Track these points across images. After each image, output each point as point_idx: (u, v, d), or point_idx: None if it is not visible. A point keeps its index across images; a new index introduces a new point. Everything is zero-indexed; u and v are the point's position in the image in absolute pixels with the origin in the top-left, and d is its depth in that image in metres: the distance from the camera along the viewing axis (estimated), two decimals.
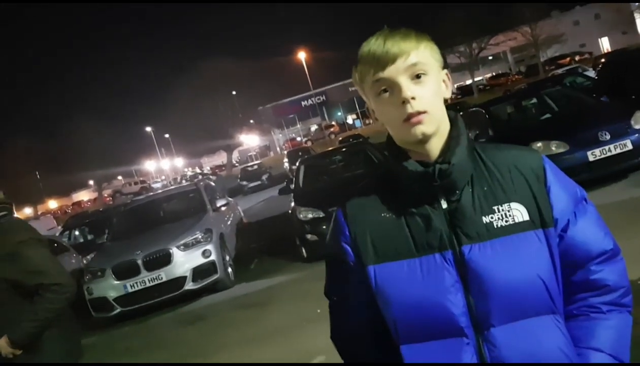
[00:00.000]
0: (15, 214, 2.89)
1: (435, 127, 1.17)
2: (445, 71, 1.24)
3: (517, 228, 1.16)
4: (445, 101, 1.24)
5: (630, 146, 7.15)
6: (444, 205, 1.19)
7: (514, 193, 1.19)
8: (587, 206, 1.26)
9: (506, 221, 1.16)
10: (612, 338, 1.20)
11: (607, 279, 1.22)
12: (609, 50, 48.45)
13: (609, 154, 7.16)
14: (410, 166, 1.19)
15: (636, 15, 54.03)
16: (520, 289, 1.13)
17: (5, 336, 2.60)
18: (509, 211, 1.17)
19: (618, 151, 7.16)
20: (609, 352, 1.19)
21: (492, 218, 1.17)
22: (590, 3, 57.29)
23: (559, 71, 27.15)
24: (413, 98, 1.14)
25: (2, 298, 2.63)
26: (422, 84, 1.16)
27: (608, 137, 7.21)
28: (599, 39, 57.90)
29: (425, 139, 1.17)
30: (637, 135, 7.22)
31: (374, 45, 1.17)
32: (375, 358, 1.30)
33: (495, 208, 1.17)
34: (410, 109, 1.14)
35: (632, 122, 7.35)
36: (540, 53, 49.23)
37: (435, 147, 1.20)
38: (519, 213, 1.17)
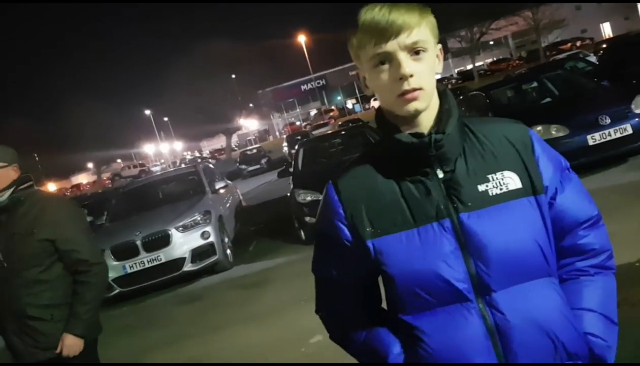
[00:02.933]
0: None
1: (427, 102, 1.20)
2: (440, 45, 1.25)
3: (511, 195, 1.20)
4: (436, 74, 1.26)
5: (630, 130, 7.14)
6: (440, 174, 1.21)
7: (506, 162, 1.22)
8: (571, 174, 1.31)
9: (500, 189, 1.20)
10: (601, 299, 1.27)
11: (594, 243, 1.29)
12: (611, 35, 48.23)
13: (608, 138, 7.15)
14: (404, 138, 1.21)
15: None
16: (518, 253, 1.17)
17: (68, 334, 2.63)
18: (502, 179, 1.21)
19: (618, 135, 7.15)
20: (600, 311, 1.25)
21: (487, 186, 1.20)
22: None
23: (560, 56, 27.03)
24: (411, 75, 1.15)
25: (39, 270, 2.63)
26: (420, 60, 1.17)
27: (608, 121, 7.19)
28: (601, 25, 57.56)
29: (417, 114, 1.20)
30: (637, 119, 7.19)
31: (377, 14, 1.16)
32: (360, 325, 1.33)
33: (489, 176, 1.21)
34: (407, 86, 1.16)
35: (633, 106, 7.32)
36: (542, 38, 48.94)
37: (426, 120, 1.22)
38: (512, 180, 1.21)
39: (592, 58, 19.66)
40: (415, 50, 1.17)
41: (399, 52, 1.16)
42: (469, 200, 1.19)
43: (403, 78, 1.15)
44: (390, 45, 1.15)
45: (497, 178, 1.21)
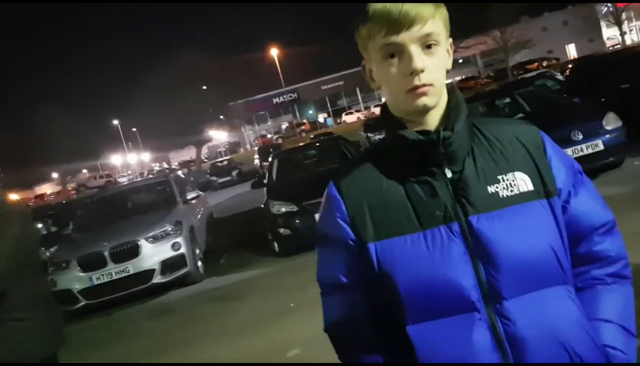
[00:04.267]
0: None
1: (437, 99, 1.14)
2: (451, 40, 1.19)
3: (523, 197, 1.13)
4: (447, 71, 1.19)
5: (601, 146, 7.27)
6: (449, 174, 1.14)
7: (517, 163, 1.16)
8: (584, 178, 1.25)
9: (511, 191, 1.13)
10: (619, 309, 1.19)
11: (610, 250, 1.22)
12: (576, 56, 49.68)
13: (580, 153, 7.26)
14: (411, 135, 1.14)
15: (602, 23, 55.51)
16: (531, 259, 1.09)
17: None
18: (513, 180, 1.14)
19: (590, 151, 7.27)
20: (617, 322, 1.18)
21: (497, 187, 1.13)
22: (559, 10, 58.59)
23: (528, 75, 27.63)
24: (422, 70, 1.09)
25: None
26: (432, 54, 1.11)
27: (580, 137, 7.31)
28: (566, 46, 59.28)
29: (426, 110, 1.13)
30: (608, 136, 7.34)
31: (390, 3, 1.09)
32: (375, 347, 1.20)
33: (499, 177, 1.14)
34: (417, 81, 1.09)
35: (604, 123, 7.47)
36: (509, 58, 50.08)
37: (433, 117, 1.16)
38: (523, 182, 1.14)
39: (560, 77, 20.15)
40: (427, 44, 1.10)
41: (411, 44, 1.09)
42: (478, 202, 1.11)
43: (414, 73, 1.09)
44: (402, 37, 1.09)
45: (507, 179, 1.14)
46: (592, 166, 7.33)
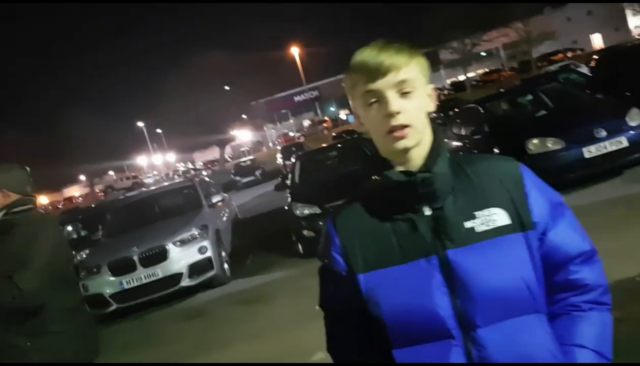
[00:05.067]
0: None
1: (417, 140, 1.23)
2: (432, 86, 1.30)
3: (498, 231, 1.21)
4: (429, 114, 1.29)
5: (625, 143, 7.19)
6: (428, 212, 1.24)
7: (494, 198, 1.24)
8: (564, 209, 1.31)
9: (487, 226, 1.21)
10: (595, 335, 1.25)
11: (586, 278, 1.27)
12: (601, 46, 48.70)
13: (604, 151, 7.19)
14: (394, 176, 1.24)
15: (627, 11, 54.27)
16: (503, 290, 1.18)
17: None
18: (489, 215, 1.22)
19: (613, 148, 7.20)
20: (592, 348, 1.23)
21: (474, 222, 1.22)
22: (582, 2, 57.45)
23: (552, 67, 27.24)
24: (398, 112, 1.20)
25: None
26: (409, 98, 1.22)
27: (604, 134, 7.23)
28: (591, 36, 58.16)
29: (406, 151, 1.24)
30: (632, 132, 7.25)
31: (367, 55, 1.22)
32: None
33: (476, 213, 1.23)
34: (394, 122, 1.20)
35: (627, 119, 7.38)
36: (533, 49, 49.35)
37: (417, 157, 1.26)
38: (499, 217, 1.22)
39: (584, 69, 19.81)
40: (403, 91, 1.21)
41: (387, 90, 1.21)
42: (455, 237, 1.21)
43: (390, 115, 1.20)
44: (379, 84, 1.21)
45: (484, 215, 1.22)
46: (616, 164, 7.29)
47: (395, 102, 1.20)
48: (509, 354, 1.16)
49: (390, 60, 1.20)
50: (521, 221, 1.22)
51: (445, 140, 1.30)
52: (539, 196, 1.27)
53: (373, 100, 1.23)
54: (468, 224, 1.21)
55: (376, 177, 1.30)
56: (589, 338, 1.24)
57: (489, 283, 1.17)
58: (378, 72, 1.20)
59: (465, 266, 1.18)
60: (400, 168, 1.26)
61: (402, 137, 1.21)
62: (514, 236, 1.21)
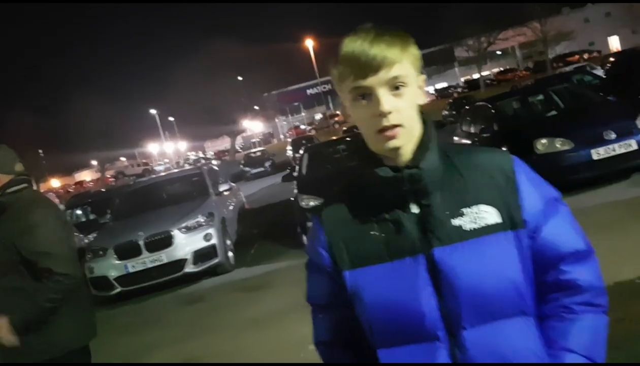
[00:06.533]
0: (35, 187, 2.83)
1: (407, 139, 1.18)
2: (423, 76, 1.24)
3: (487, 230, 1.16)
4: (420, 106, 1.23)
5: (635, 146, 7.15)
6: (415, 210, 1.19)
7: (483, 195, 1.19)
8: (559, 206, 1.25)
9: (476, 223, 1.17)
10: (586, 339, 1.19)
11: (579, 279, 1.21)
12: (618, 49, 48.20)
13: (613, 153, 7.16)
14: (381, 172, 1.20)
15: None
16: (490, 291, 1.14)
17: (6, 317, 2.50)
18: (477, 213, 1.17)
19: (622, 150, 7.16)
20: (582, 353, 1.18)
21: (462, 220, 1.17)
22: (602, 2, 56.82)
23: (567, 68, 27.04)
24: (389, 112, 1.14)
25: (14, 278, 2.58)
26: (401, 96, 1.16)
27: (613, 136, 7.20)
28: (608, 38, 57.58)
29: (396, 150, 1.19)
30: None
31: (358, 48, 1.14)
32: (353, 362, 1.32)
33: (464, 210, 1.18)
34: (386, 122, 1.14)
35: (638, 122, 7.34)
36: (549, 50, 48.96)
37: (406, 152, 1.20)
38: (488, 214, 1.17)
39: (599, 71, 19.68)
40: (395, 86, 1.15)
41: (378, 88, 1.14)
42: (442, 235, 1.16)
43: (382, 114, 1.14)
44: (370, 81, 1.14)
45: (472, 212, 1.17)
46: (625, 166, 7.25)
47: (386, 101, 1.14)
48: (494, 357, 1.13)
49: (382, 55, 1.13)
50: (511, 219, 1.17)
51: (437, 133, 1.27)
52: (531, 192, 1.21)
53: (362, 96, 1.16)
54: (456, 222, 1.17)
55: (363, 172, 1.26)
56: (579, 342, 1.18)
57: (475, 283, 1.13)
58: (369, 68, 1.13)
59: (452, 266, 1.14)
60: (388, 163, 1.21)
61: (392, 138, 1.15)
62: (503, 234, 1.16)
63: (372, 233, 1.22)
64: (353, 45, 1.15)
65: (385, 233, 1.20)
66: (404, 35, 1.18)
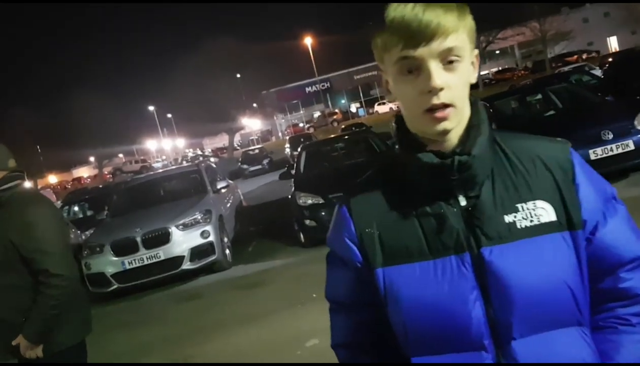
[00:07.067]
0: (28, 184, 2.81)
1: (458, 121, 1.03)
2: (476, 51, 1.08)
3: (543, 229, 1.03)
4: (472, 85, 1.08)
5: (632, 146, 7.16)
6: (462, 202, 1.06)
7: (540, 190, 1.06)
8: (617, 205, 1.13)
9: (531, 221, 1.04)
10: None
11: (638, 288, 1.09)
12: (617, 49, 48.28)
13: (610, 153, 7.17)
14: (425, 157, 1.05)
15: None
16: (545, 297, 1.01)
17: (21, 336, 2.56)
18: (534, 209, 1.04)
19: (620, 150, 7.17)
20: None
21: (515, 217, 1.04)
22: (601, 2, 56.89)
23: (566, 68, 27.08)
24: (441, 89, 0.99)
25: (13, 276, 2.58)
26: (454, 71, 1.00)
27: (610, 136, 7.21)
28: (608, 38, 57.65)
29: (445, 134, 1.04)
30: (639, 136, 7.22)
31: (409, 12, 0.98)
32: None
33: (518, 205, 1.05)
34: (436, 100, 0.99)
35: (636, 122, 7.34)
36: (548, 49, 49.00)
37: (454, 136, 1.06)
38: (545, 212, 1.04)
39: (598, 72, 19.71)
40: (448, 59, 0.99)
41: (430, 60, 0.99)
42: (492, 232, 1.03)
43: (432, 91, 0.99)
44: (420, 52, 0.98)
45: (527, 208, 1.04)
46: (622, 166, 7.26)
47: (438, 75, 0.98)
48: None
49: (437, 20, 0.97)
50: (569, 218, 1.05)
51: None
52: (590, 188, 1.08)
53: (409, 69, 1.01)
54: (508, 218, 1.03)
55: (401, 156, 1.11)
56: (635, 358, 1.06)
57: (528, 287, 1.00)
58: (421, 36, 0.97)
59: (503, 267, 1.01)
60: (432, 148, 1.06)
61: (443, 119, 1.00)
62: (561, 234, 1.04)
63: (409, 226, 1.08)
64: (403, 9, 0.99)
65: (425, 227, 1.07)
66: (461, 3, 1.03)
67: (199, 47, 52.76)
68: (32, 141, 49.02)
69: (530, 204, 1.05)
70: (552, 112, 9.02)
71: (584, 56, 46.44)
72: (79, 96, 51.99)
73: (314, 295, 5.63)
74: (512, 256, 1.02)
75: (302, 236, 8.34)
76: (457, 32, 0.99)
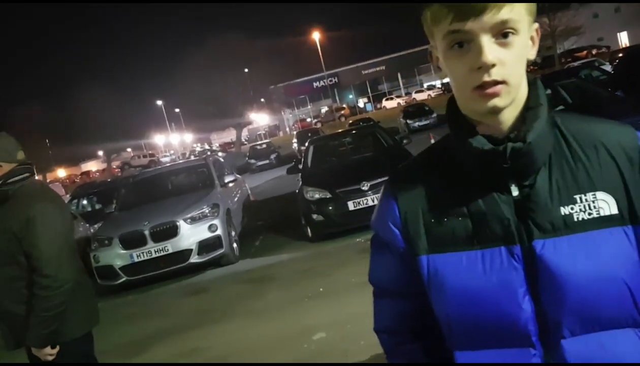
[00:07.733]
0: (36, 177, 2.82)
1: (511, 99, 0.95)
2: (536, 25, 1.00)
3: (602, 222, 0.96)
4: (529, 62, 1.00)
5: None
6: (514, 191, 0.99)
7: (601, 179, 0.97)
8: None
9: (589, 214, 0.96)
10: None
11: None
12: (627, 45, 47.88)
13: None
14: (476, 142, 0.98)
15: None
16: (600, 295, 0.94)
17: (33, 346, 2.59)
18: (593, 201, 0.96)
19: None
20: None
21: (572, 208, 0.96)
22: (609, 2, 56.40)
23: (575, 64, 26.88)
24: (493, 65, 0.91)
25: (14, 268, 2.60)
26: (508, 46, 0.93)
27: None
28: (618, 34, 57.15)
29: (496, 112, 0.96)
30: None
31: None
32: (416, 358, 1.15)
33: (577, 197, 0.97)
34: (487, 77, 0.92)
35: None
36: (557, 45, 48.63)
37: (508, 118, 0.98)
38: (606, 204, 0.96)
39: (607, 67, 19.55)
40: (503, 33, 0.92)
41: (482, 34, 0.91)
42: (546, 224, 0.97)
43: (483, 67, 0.91)
44: (471, 25, 0.91)
45: (587, 200, 0.96)
46: None
47: (490, 51, 0.91)
48: None
49: None
50: (632, 211, 0.96)
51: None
52: None
53: (460, 43, 0.94)
54: (565, 210, 0.96)
55: (451, 140, 1.06)
56: None
57: (583, 284, 0.94)
58: (472, 8, 0.90)
59: (556, 262, 0.95)
60: (484, 132, 0.99)
61: (493, 96, 0.93)
62: (622, 229, 0.96)
63: (457, 213, 1.02)
64: None
65: (474, 215, 1.01)
66: None
67: (207, 42, 52.69)
68: (41, 135, 49.32)
69: (590, 196, 0.97)
70: (561, 107, 8.95)
71: (594, 52, 46.06)
72: (88, 91, 52.17)
73: (321, 289, 5.64)
74: (566, 251, 0.95)
75: (309, 230, 8.35)
76: (512, 3, 0.92)
